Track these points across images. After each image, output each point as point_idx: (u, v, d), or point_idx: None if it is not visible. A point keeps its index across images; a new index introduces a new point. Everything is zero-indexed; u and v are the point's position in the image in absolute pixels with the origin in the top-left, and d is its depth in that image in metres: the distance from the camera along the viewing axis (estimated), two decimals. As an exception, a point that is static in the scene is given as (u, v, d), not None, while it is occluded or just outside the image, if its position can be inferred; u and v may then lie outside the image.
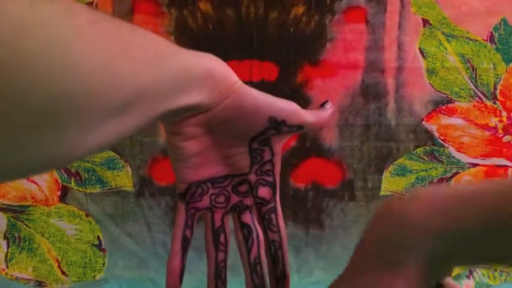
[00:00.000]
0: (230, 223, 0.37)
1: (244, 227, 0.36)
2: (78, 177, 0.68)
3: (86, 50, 0.22)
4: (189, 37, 0.66)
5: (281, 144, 0.35)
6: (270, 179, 0.36)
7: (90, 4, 0.65)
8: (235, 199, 0.36)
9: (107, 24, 0.24)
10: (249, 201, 0.36)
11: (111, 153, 0.67)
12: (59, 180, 0.68)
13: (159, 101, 0.27)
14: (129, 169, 0.68)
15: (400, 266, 0.27)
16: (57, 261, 0.69)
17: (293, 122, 0.34)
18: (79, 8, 0.22)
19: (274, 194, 0.37)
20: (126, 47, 0.25)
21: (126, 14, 0.65)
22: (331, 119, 0.37)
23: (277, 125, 0.33)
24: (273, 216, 0.37)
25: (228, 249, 0.36)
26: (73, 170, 0.68)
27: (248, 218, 0.37)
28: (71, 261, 0.69)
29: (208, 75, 0.30)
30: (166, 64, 0.28)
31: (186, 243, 0.35)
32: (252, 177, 0.35)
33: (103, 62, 0.23)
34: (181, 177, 0.35)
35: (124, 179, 0.68)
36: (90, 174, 0.68)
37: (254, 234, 0.36)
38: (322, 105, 0.37)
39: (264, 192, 0.36)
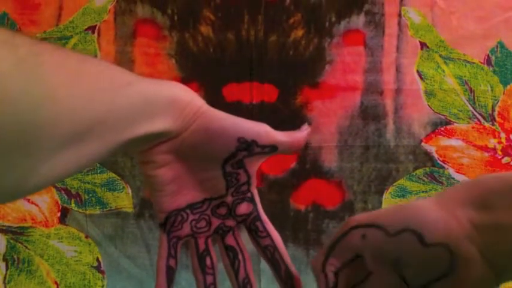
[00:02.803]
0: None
1: (228, 250, 0.36)
2: (78, 199, 0.68)
3: (26, 82, 0.22)
4: (190, 60, 0.66)
5: (256, 167, 0.35)
6: (247, 195, 0.36)
7: (93, 28, 0.66)
8: (216, 222, 0.35)
9: (52, 56, 0.24)
10: (230, 222, 0.36)
11: (112, 175, 0.68)
12: (59, 202, 0.68)
13: (119, 129, 0.27)
14: (129, 190, 0.68)
15: None
16: (56, 283, 0.69)
17: (264, 142, 0.33)
18: (20, 41, 0.22)
19: (254, 206, 0.36)
20: (74, 78, 0.25)
21: (129, 37, 0.66)
22: (305, 141, 0.36)
23: (247, 145, 0.32)
24: (258, 224, 0.36)
25: (217, 271, 0.36)
26: (73, 192, 0.68)
27: (231, 240, 0.36)
28: (69, 283, 0.69)
29: (171, 101, 0.30)
30: (123, 92, 0.28)
31: (171, 274, 0.34)
32: (229, 199, 0.35)
33: (47, 93, 0.23)
34: (159, 207, 0.34)
35: (124, 200, 0.68)
36: (91, 195, 0.68)
37: (240, 256, 0.36)
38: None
39: (242, 208, 0.36)
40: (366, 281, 0.30)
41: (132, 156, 0.32)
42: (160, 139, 0.31)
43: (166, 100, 0.30)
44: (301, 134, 0.35)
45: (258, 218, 0.36)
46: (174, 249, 0.35)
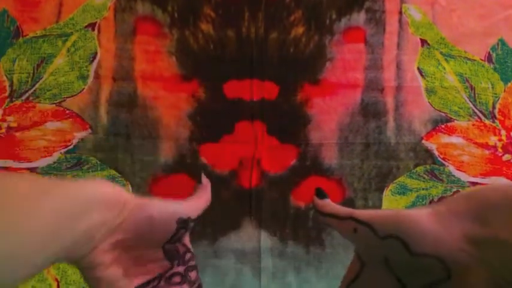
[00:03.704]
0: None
1: None
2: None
3: None
4: (190, 57, 0.66)
5: (187, 236, 0.37)
6: (193, 263, 0.38)
7: (93, 25, 0.66)
8: None
9: None
10: (185, 287, 0.37)
11: (112, 172, 0.68)
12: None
13: (51, 235, 0.28)
14: (130, 187, 0.68)
15: None
16: (57, 280, 0.69)
17: (195, 215, 0.36)
18: None
19: (198, 272, 0.39)
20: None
21: (129, 34, 0.66)
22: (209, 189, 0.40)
23: (185, 223, 0.35)
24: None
25: None
26: (74, 189, 0.68)
27: None
28: (70, 281, 0.69)
29: (97, 198, 0.31)
30: (47, 199, 0.28)
31: None
32: (180, 268, 0.36)
33: None
34: None
35: (124, 197, 0.68)
36: (91, 192, 0.68)
37: None
38: (199, 180, 0.40)
39: (193, 275, 0.38)
40: (360, 272, 0.32)
41: (77, 264, 0.32)
42: (97, 235, 0.31)
43: (90, 197, 0.31)
44: (208, 192, 0.39)
45: (201, 284, 0.39)
46: None
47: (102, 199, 0.31)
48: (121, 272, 0.34)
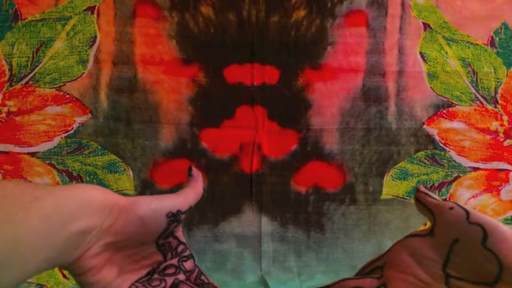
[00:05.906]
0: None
1: None
2: (79, 181, 0.68)
3: None
4: (190, 41, 0.66)
5: (180, 229, 0.37)
6: (187, 252, 0.38)
7: (93, 9, 0.66)
8: (170, 279, 0.37)
9: None
10: (181, 276, 0.38)
11: (113, 157, 0.68)
12: (60, 184, 0.68)
13: (42, 241, 0.28)
14: (131, 172, 0.68)
15: None
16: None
17: (186, 207, 0.36)
18: None
19: (195, 261, 0.39)
20: None
21: (128, 18, 0.66)
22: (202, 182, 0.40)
23: (175, 217, 0.35)
24: (203, 277, 0.39)
25: None
26: (75, 174, 0.68)
27: None
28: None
29: (84, 202, 0.31)
30: (32, 210, 0.28)
31: None
32: (173, 261, 0.37)
33: None
34: None
35: (125, 182, 0.68)
36: (92, 177, 0.68)
37: None
38: (189, 172, 0.40)
39: (188, 264, 0.38)
40: (426, 235, 0.33)
41: (69, 270, 0.33)
42: (87, 239, 0.32)
43: (78, 202, 0.31)
44: (199, 183, 0.39)
45: (200, 271, 0.39)
46: None
47: (90, 204, 0.31)
48: (116, 272, 0.34)
